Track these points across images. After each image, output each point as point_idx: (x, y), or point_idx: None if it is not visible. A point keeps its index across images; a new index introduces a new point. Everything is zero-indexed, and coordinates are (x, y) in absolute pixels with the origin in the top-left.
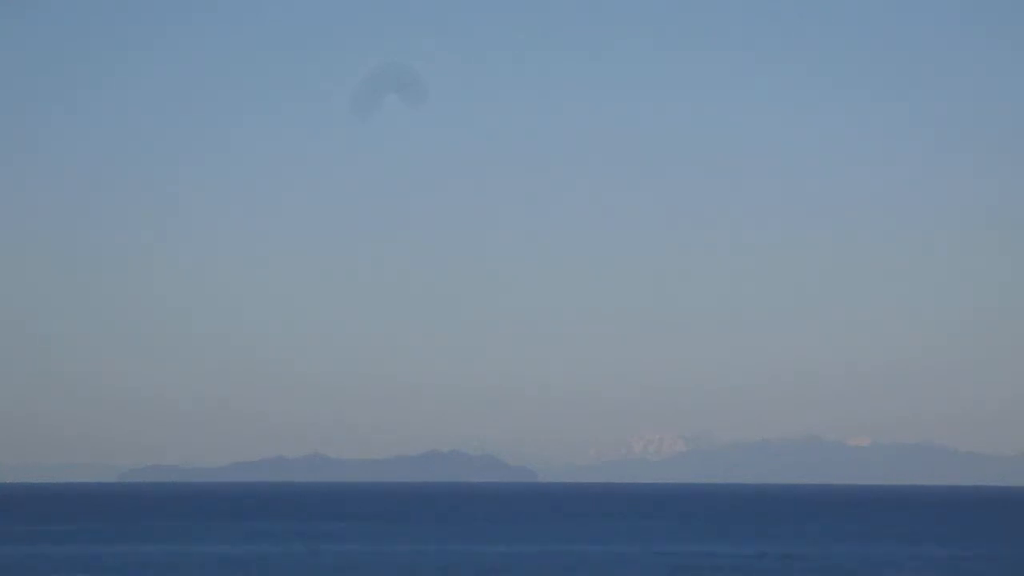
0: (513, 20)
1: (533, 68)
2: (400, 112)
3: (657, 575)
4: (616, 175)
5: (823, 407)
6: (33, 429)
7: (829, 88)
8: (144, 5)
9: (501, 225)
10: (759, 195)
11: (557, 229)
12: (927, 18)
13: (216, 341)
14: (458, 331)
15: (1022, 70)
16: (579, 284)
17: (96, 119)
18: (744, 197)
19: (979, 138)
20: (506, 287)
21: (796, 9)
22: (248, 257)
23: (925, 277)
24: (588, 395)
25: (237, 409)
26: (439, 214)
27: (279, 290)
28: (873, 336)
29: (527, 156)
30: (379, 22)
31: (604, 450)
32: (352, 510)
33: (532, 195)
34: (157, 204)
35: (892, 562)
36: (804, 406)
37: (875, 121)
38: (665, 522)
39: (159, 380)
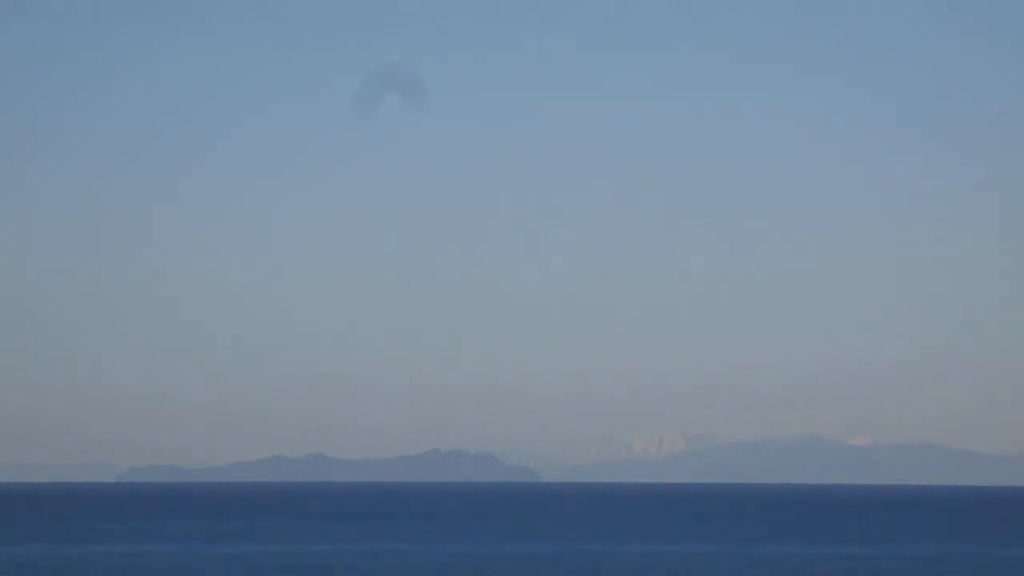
0: (513, 20)
1: (533, 68)
2: (400, 112)
3: (657, 575)
4: (616, 175)
5: (823, 407)
6: (33, 429)
7: (829, 88)
8: (144, 5)
9: (501, 225)
10: (759, 195)
11: (557, 229)
12: (927, 18)
13: (216, 341)
14: (458, 331)
15: (1022, 70)
16: (579, 284)
17: (96, 118)
18: (744, 197)
19: (978, 138)
20: (506, 287)
21: (796, 9)
22: (248, 256)
23: (925, 277)
24: (588, 395)
25: (237, 409)
26: (439, 214)
27: (279, 290)
28: (873, 336)
29: (527, 156)
30: (379, 22)
31: (604, 450)
32: (352, 510)
33: (532, 195)
34: (157, 203)
35: (892, 562)
36: (804, 406)
37: (875, 121)
38: (665, 521)
39: (159, 380)
